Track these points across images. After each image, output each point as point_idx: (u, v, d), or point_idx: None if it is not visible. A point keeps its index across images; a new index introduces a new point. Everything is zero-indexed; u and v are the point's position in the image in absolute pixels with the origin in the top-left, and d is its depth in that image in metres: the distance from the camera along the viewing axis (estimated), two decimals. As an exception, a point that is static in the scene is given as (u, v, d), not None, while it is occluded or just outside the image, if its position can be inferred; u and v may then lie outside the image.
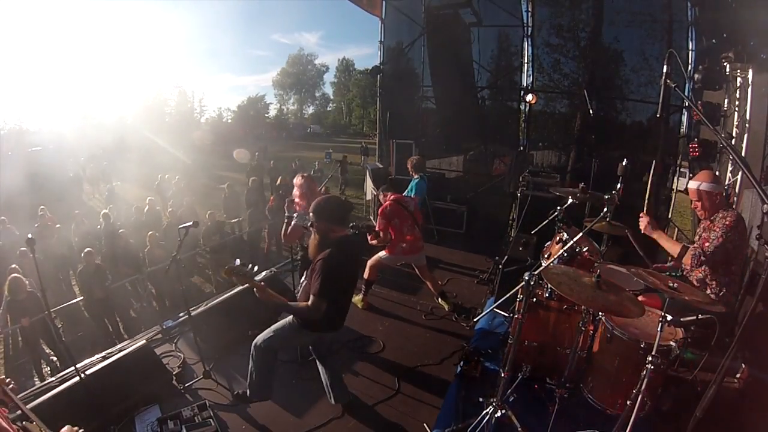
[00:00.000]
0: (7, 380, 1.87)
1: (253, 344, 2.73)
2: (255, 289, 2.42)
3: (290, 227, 3.30)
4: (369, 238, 4.02)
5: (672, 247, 2.78)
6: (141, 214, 8.85)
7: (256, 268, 2.46)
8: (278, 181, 11.15)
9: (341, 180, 14.32)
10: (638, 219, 3.02)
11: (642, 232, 2.97)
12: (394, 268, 4.67)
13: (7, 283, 4.78)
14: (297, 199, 3.53)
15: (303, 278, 2.68)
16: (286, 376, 3.23)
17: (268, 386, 2.88)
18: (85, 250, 5.77)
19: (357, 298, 4.38)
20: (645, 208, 3.06)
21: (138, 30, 51.84)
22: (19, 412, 1.87)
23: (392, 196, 4.15)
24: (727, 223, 2.55)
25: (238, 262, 2.46)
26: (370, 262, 4.27)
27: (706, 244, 2.58)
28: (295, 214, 3.28)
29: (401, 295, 4.62)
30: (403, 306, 4.47)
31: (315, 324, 2.55)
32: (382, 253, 4.19)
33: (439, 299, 4.43)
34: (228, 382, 3.23)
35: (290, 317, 2.66)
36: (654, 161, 3.10)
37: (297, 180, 3.63)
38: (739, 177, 5.04)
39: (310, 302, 2.38)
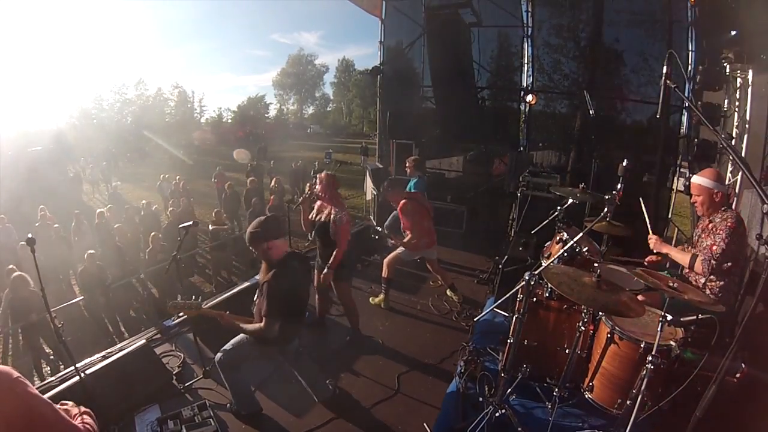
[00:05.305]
0: None
1: (215, 360, 2.75)
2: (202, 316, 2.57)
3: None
4: (391, 240, 4.15)
5: (683, 258, 2.77)
6: (139, 214, 8.87)
7: (200, 298, 2.64)
8: (272, 183, 11.11)
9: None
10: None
11: (652, 248, 3.00)
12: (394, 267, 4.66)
13: (10, 281, 4.78)
14: (320, 194, 3.54)
15: (255, 296, 2.72)
16: (286, 376, 3.22)
17: (251, 398, 2.91)
18: (87, 252, 5.76)
19: (378, 299, 4.36)
20: (650, 230, 3.09)
21: (138, 29, 51.81)
22: None
23: (404, 195, 4.18)
24: (728, 224, 2.55)
25: (179, 298, 2.63)
26: (387, 260, 4.24)
27: (714, 247, 2.58)
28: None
29: (401, 294, 4.61)
30: (403, 306, 4.47)
31: (270, 339, 2.60)
32: (400, 250, 4.17)
33: (449, 291, 4.54)
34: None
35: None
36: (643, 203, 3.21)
37: (321, 175, 3.58)
38: (739, 177, 5.04)
39: (263, 323, 2.47)
